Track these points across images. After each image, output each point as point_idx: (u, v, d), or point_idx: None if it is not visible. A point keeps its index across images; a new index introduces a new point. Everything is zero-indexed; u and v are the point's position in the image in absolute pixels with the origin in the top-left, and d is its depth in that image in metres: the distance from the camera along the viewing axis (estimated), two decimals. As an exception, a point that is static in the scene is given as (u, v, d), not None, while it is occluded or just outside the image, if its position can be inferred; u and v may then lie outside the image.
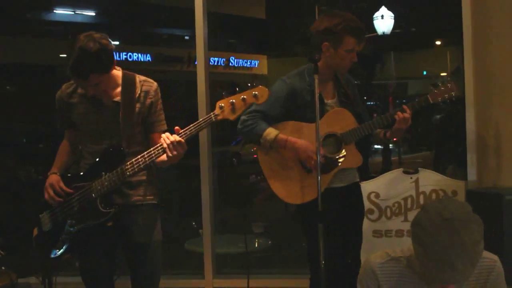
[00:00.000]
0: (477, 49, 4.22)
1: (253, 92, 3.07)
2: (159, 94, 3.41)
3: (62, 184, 3.32)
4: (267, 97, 3.09)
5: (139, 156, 3.16)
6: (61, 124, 3.50)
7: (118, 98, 3.30)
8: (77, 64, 3.05)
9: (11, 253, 4.18)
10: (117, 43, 14.28)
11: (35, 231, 3.45)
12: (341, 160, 3.69)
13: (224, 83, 13.49)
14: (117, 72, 3.35)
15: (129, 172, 3.17)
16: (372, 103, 12.32)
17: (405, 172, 4.30)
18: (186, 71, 14.66)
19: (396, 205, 4.16)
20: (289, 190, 3.70)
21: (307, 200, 3.63)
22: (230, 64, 15.36)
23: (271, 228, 5.64)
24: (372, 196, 4.29)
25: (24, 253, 3.86)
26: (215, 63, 15.30)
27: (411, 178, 4.28)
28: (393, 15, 8.97)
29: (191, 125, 3.12)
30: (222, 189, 5.91)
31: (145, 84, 3.37)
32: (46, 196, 3.33)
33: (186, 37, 16.11)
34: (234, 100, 3.05)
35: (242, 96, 3.06)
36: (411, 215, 4.10)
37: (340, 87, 3.83)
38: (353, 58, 3.68)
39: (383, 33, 9.07)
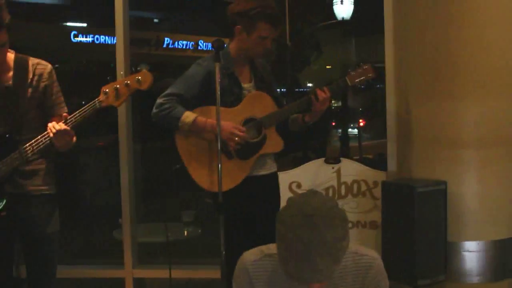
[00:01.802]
0: (397, 37, 4.14)
1: (136, 77, 3.00)
2: (54, 76, 3.28)
3: None
4: (150, 82, 3.01)
5: (27, 145, 3.06)
6: None
7: (9, 83, 3.17)
8: None
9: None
10: (84, 25, 14.14)
11: None
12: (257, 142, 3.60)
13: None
14: (9, 55, 3.23)
15: (17, 160, 3.07)
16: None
17: (327, 162, 4.26)
18: (154, 53, 14.55)
19: (317, 195, 4.11)
20: (209, 178, 3.54)
21: (226, 188, 3.42)
22: (199, 47, 15.28)
23: (202, 216, 5.55)
24: (294, 186, 4.25)
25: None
26: (184, 47, 15.21)
27: (332, 168, 4.24)
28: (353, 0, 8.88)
29: (76, 112, 3.03)
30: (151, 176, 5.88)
31: (38, 67, 3.23)
32: None
33: (155, 20, 16.00)
34: (118, 86, 2.98)
35: (125, 82, 2.99)
36: (333, 206, 4.07)
37: (257, 71, 3.74)
38: (267, 45, 3.57)
39: (343, 18, 8.98)
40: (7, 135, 3.12)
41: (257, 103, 3.62)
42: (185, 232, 5.15)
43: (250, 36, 3.53)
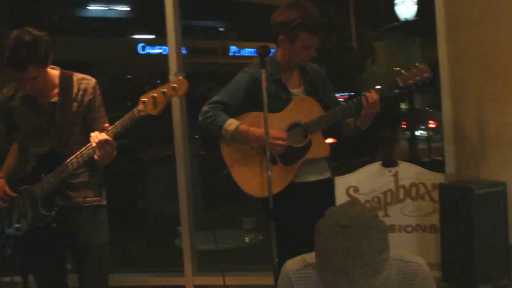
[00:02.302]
0: (450, 34, 4.04)
1: (172, 85, 3.02)
2: (98, 90, 3.37)
3: (6, 188, 3.32)
4: (186, 89, 3.04)
5: (72, 157, 3.14)
6: (5, 127, 3.49)
7: (55, 99, 3.27)
8: (13, 54, 3.00)
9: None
10: (152, 37, 14.38)
11: None
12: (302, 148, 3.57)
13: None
14: (54, 72, 3.32)
15: (65, 173, 3.15)
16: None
17: (384, 165, 4.18)
18: (220, 62, 14.64)
19: (375, 199, 4.07)
20: (253, 183, 3.59)
21: (273, 192, 3.44)
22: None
23: (263, 223, 5.53)
24: (351, 191, 4.18)
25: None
26: (250, 54, 15.24)
27: (390, 171, 4.15)
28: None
29: (117, 122, 3.10)
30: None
31: (83, 82, 3.32)
32: None
33: (221, 29, 16.11)
34: (155, 95, 3.00)
35: (161, 90, 3.02)
36: (391, 210, 4.02)
37: (307, 76, 3.72)
38: (311, 53, 3.56)
39: (405, 19, 8.82)
40: (54, 149, 3.21)
41: (303, 108, 3.59)
42: (246, 239, 5.15)
43: (293, 46, 3.52)
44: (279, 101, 3.56)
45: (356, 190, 4.17)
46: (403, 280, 2.31)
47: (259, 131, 3.50)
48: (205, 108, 3.60)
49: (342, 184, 4.12)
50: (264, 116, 3.27)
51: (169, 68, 4.57)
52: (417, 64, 3.55)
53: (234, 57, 15.06)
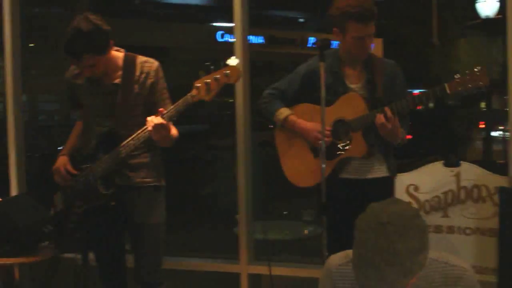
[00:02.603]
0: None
1: (225, 72, 3.05)
2: (161, 73, 3.43)
3: (68, 166, 3.44)
4: (238, 77, 3.07)
5: (129, 139, 3.21)
6: (71, 104, 3.61)
7: (118, 80, 3.35)
8: (70, 43, 3.12)
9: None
10: (232, 24, 14.44)
11: (52, 211, 3.59)
12: (342, 147, 3.56)
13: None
14: (118, 54, 3.41)
15: (122, 154, 3.23)
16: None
17: (446, 165, 4.10)
18: (299, 53, 14.61)
19: (435, 199, 4.00)
20: (296, 172, 3.69)
21: (309, 184, 3.61)
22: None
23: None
24: (411, 189, 4.12)
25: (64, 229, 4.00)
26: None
27: (451, 171, 4.07)
28: (498, -4, 8.49)
29: (171, 106, 3.15)
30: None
31: (146, 65, 3.39)
32: (54, 178, 3.46)
33: (300, 20, 16.07)
34: (208, 81, 3.04)
35: (215, 76, 3.05)
36: (452, 211, 3.95)
37: (369, 72, 3.64)
38: (365, 45, 3.48)
39: (487, 16, 8.61)
40: (112, 130, 3.29)
41: (349, 105, 3.55)
42: (305, 231, 5.15)
43: (345, 37, 3.48)
44: (335, 95, 3.53)
45: (416, 188, 4.10)
46: (447, 284, 2.27)
47: (305, 123, 3.57)
48: (264, 92, 3.70)
49: (402, 182, 4.07)
50: (322, 110, 3.25)
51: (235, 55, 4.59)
52: (475, 69, 3.32)
53: (312, 48, 15.02)
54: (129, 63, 3.37)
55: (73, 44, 3.11)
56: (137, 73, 3.35)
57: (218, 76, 3.05)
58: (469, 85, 3.31)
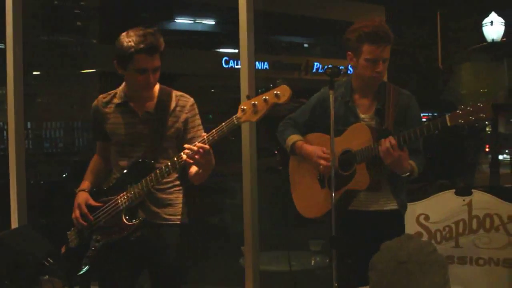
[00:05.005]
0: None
1: (275, 92, 2.92)
2: (196, 109, 3.34)
3: (91, 201, 3.31)
4: (288, 97, 2.93)
5: (162, 166, 3.11)
6: (94, 135, 3.49)
7: (151, 109, 3.26)
8: (143, 40, 3.06)
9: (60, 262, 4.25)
10: (236, 51, 14.49)
11: (63, 249, 3.47)
12: (347, 179, 3.43)
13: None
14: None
15: (152, 182, 3.13)
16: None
17: (457, 194, 4.01)
18: (303, 78, 14.61)
19: (446, 229, 3.92)
20: (304, 202, 3.61)
21: (316, 215, 3.52)
22: (349, 72, 15.05)
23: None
24: (421, 218, 4.04)
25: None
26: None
27: (463, 200, 3.98)
28: (503, 21, 8.45)
29: (214, 130, 3.03)
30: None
31: (181, 99, 3.31)
32: (73, 215, 3.34)
33: (305, 45, 16.10)
34: (256, 102, 2.95)
35: (264, 97, 2.94)
36: (463, 241, 3.87)
37: (380, 101, 3.53)
38: (377, 69, 3.35)
39: (493, 40, 8.58)
40: (142, 160, 3.20)
41: (356, 135, 3.40)
42: (312, 261, 5.06)
43: (359, 61, 3.38)
44: (346, 124, 3.43)
45: (427, 218, 4.02)
46: None
47: (309, 147, 3.50)
48: (281, 122, 3.69)
49: (413, 211, 3.98)
50: (331, 138, 3.16)
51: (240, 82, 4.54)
52: (479, 103, 3.13)
53: (317, 73, 15.01)
54: (164, 94, 3.29)
55: (147, 40, 3.05)
56: (173, 105, 3.27)
57: (267, 97, 2.94)
58: (471, 118, 3.12)
